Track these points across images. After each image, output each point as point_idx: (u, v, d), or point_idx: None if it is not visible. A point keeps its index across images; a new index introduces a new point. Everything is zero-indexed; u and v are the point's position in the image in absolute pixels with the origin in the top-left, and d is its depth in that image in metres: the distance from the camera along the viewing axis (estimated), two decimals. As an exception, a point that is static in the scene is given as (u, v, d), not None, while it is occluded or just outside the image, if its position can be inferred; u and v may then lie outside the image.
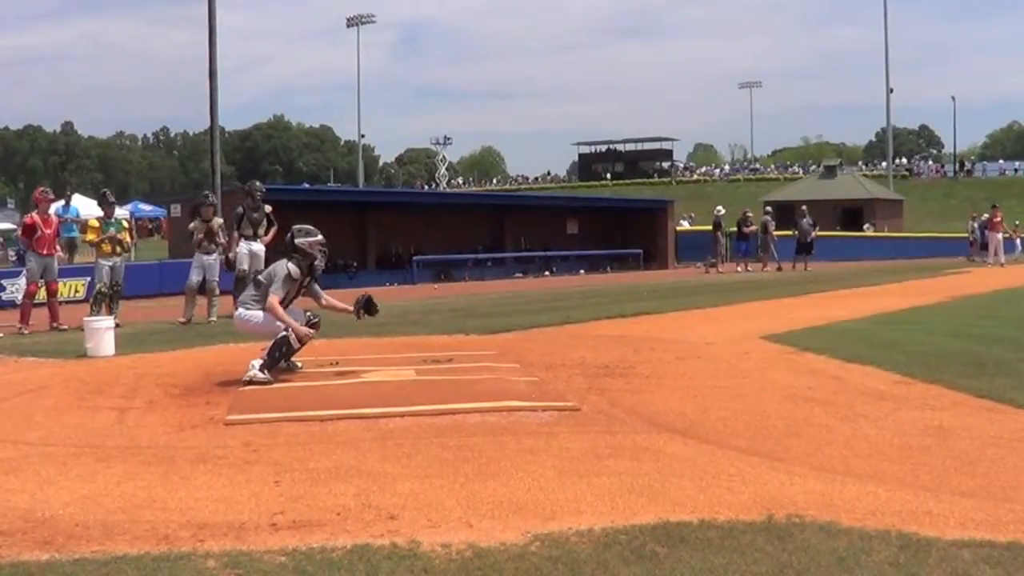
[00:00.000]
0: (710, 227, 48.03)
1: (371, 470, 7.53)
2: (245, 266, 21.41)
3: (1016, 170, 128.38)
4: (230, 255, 21.79)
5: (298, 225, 12.55)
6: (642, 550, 5.60)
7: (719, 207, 48.07)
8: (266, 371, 11.58)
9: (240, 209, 22.11)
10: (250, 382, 11.38)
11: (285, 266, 12.24)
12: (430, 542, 5.74)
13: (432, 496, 6.75)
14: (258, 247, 21.75)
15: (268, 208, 22.19)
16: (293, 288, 12.30)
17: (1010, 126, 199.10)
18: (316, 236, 12.49)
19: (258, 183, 23.38)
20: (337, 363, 12.75)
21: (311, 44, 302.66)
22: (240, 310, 12.57)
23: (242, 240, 21.67)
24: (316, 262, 12.53)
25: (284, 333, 11.85)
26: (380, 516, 6.30)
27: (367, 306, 12.86)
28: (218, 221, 21.54)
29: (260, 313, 12.20)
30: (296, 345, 12.07)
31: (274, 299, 11.99)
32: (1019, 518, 6.28)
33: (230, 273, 21.80)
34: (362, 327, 14.59)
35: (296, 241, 12.43)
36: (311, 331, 12.24)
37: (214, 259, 21.19)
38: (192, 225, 22.55)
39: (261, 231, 21.88)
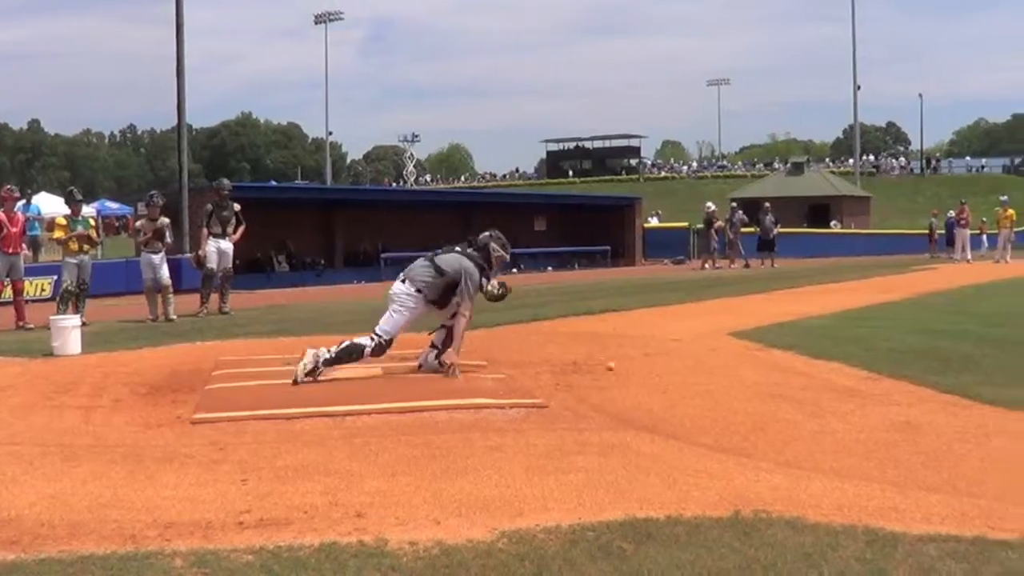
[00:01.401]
0: (680, 224, 48.12)
1: (338, 468, 7.52)
2: (213, 264, 21.45)
3: (983, 167, 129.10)
4: (200, 252, 21.77)
5: (498, 233, 12.42)
6: (609, 546, 5.61)
7: (709, 203, 48.09)
8: (326, 367, 11.33)
9: (209, 207, 22.11)
10: (309, 374, 11.17)
11: (477, 274, 12.06)
12: (397, 540, 5.74)
13: (399, 494, 6.75)
14: (227, 245, 21.79)
15: (236, 206, 22.19)
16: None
17: (977, 123, 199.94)
18: (507, 253, 12.53)
19: (225, 180, 23.43)
20: (304, 361, 12.72)
21: (279, 41, 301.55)
22: (407, 285, 12.09)
23: (211, 238, 21.65)
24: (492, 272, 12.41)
25: (364, 342, 11.67)
26: (347, 514, 6.30)
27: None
28: (164, 221, 21.36)
29: (410, 311, 11.98)
30: (367, 359, 11.80)
31: (470, 310, 12.02)
32: (984, 513, 6.34)
33: (198, 271, 21.79)
34: (331, 325, 14.61)
35: (492, 245, 12.33)
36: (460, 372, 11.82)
37: (159, 258, 21.00)
38: (139, 224, 22.56)
39: (230, 229, 21.89)
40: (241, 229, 22.20)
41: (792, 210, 69.04)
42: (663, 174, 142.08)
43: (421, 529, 5.98)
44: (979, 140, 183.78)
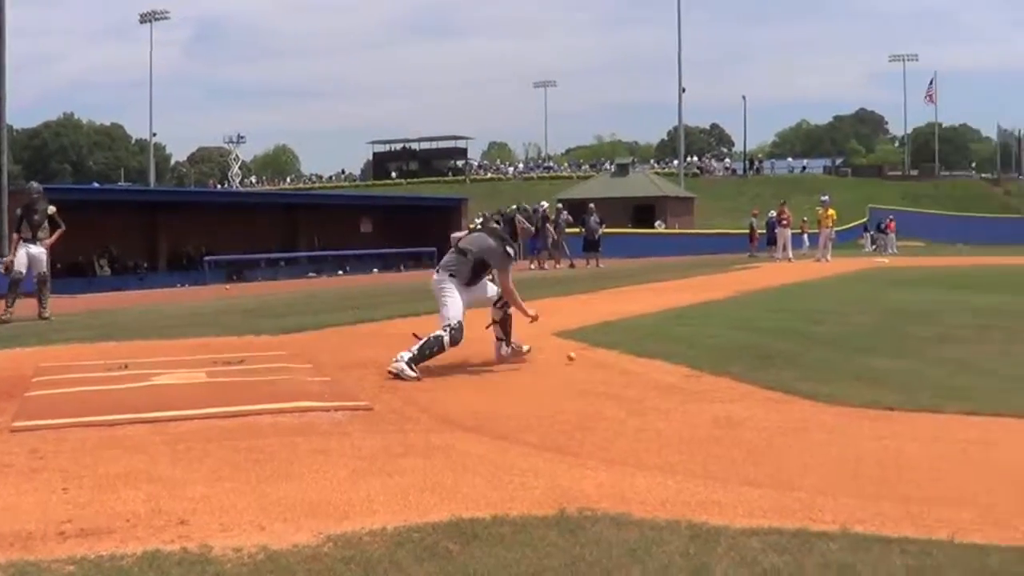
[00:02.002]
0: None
1: (161, 475, 7.39)
2: (23, 269, 21.02)
3: (804, 168, 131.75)
4: (8, 259, 21.33)
5: (525, 205, 12.98)
6: (435, 548, 5.60)
7: (543, 202, 48.32)
8: (414, 367, 11.65)
9: (19, 211, 21.69)
10: (397, 376, 11.50)
11: (500, 247, 12.61)
12: (222, 546, 5.66)
13: (224, 500, 6.65)
14: (37, 250, 21.32)
15: (52, 209, 21.76)
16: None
17: (799, 125, 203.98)
18: (532, 226, 13.38)
19: (35, 184, 22.99)
20: (127, 366, 12.52)
21: (103, 40, 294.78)
22: (440, 274, 12.69)
23: (22, 243, 21.22)
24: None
25: (440, 333, 12.05)
26: (171, 521, 6.18)
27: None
28: None
29: (458, 295, 12.47)
30: (447, 348, 12.15)
31: (510, 282, 12.77)
32: (805, 506, 6.43)
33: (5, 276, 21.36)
34: (153, 329, 14.44)
35: (518, 217, 13.24)
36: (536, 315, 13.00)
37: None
38: None
39: (43, 234, 21.45)
40: (58, 232, 21.77)
41: (617, 211, 69.86)
42: (489, 175, 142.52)
43: (246, 535, 5.90)
44: (801, 141, 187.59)
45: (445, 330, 12.08)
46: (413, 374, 11.60)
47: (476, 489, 6.88)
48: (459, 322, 12.23)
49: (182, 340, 16.04)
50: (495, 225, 12.89)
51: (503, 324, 13.03)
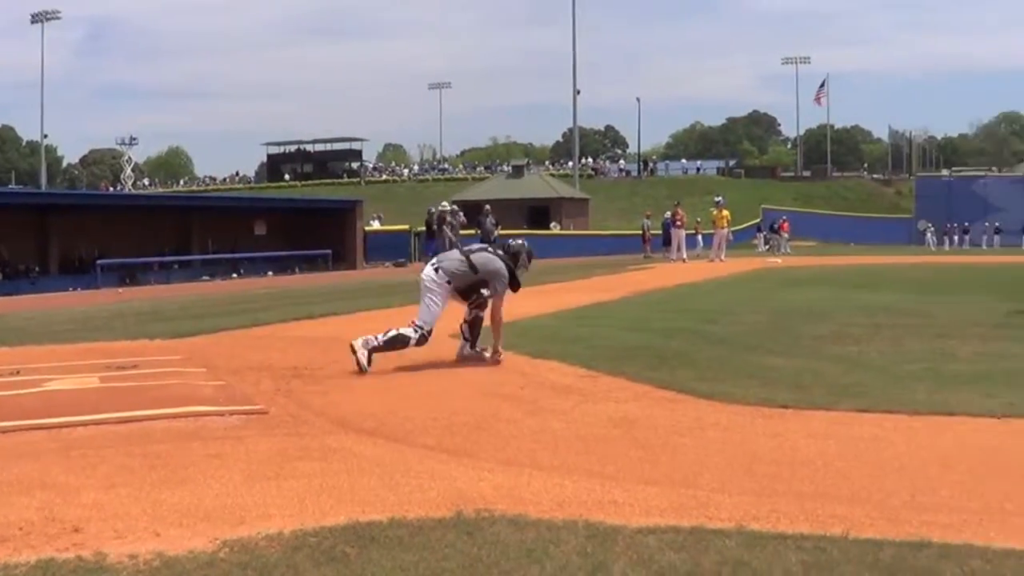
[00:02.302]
0: (402, 227, 48.32)
1: (55, 482, 7.28)
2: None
3: (698, 169, 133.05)
4: None
5: (530, 247, 13.41)
6: (332, 551, 5.57)
7: (444, 203, 48.33)
8: (370, 357, 12.26)
9: None
10: (353, 352, 12.17)
11: (507, 277, 12.94)
12: (117, 553, 5.59)
13: (118, 506, 6.56)
14: None
15: None
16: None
17: (692, 126, 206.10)
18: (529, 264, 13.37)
19: None
20: (19, 372, 12.34)
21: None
22: (440, 272, 12.95)
23: None
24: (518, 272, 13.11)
25: (409, 333, 12.58)
26: (65, 529, 6.09)
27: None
28: None
29: (440, 300, 12.89)
30: (410, 347, 12.58)
31: (501, 305, 13.02)
32: (701, 503, 6.48)
33: None
34: (44, 334, 14.29)
35: (522, 256, 13.29)
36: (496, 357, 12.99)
37: None
38: None
39: None
40: None
41: (513, 212, 70.18)
42: (384, 177, 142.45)
43: (141, 541, 5.82)
44: (695, 143, 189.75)
45: (416, 332, 12.49)
46: (365, 363, 12.07)
47: (373, 492, 6.85)
48: (430, 330, 12.66)
49: (75, 345, 15.84)
50: (502, 253, 13.08)
51: (472, 325, 13.15)
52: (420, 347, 12.56)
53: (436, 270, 12.87)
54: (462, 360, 13.09)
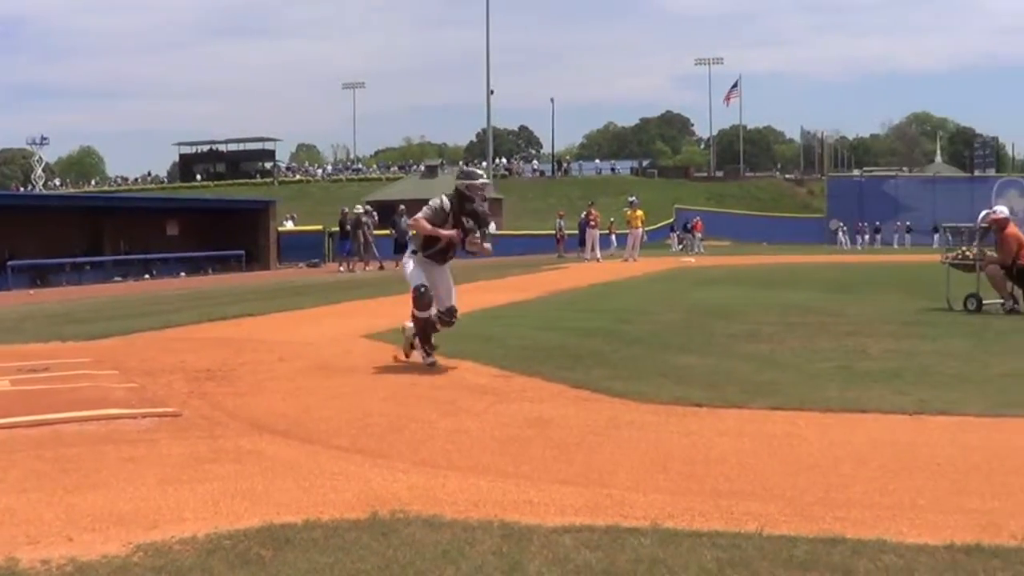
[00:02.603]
0: (315, 227, 48.13)
1: (-35, 486, 7.24)
2: None
3: (612, 169, 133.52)
4: None
5: (464, 167, 12.73)
6: (247, 554, 5.55)
7: (359, 205, 48.15)
8: (430, 354, 12.58)
9: None
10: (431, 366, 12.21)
11: (438, 197, 12.52)
12: (29, 559, 5.53)
13: (30, 511, 6.50)
14: None
15: None
16: (438, 220, 12.35)
17: (606, 127, 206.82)
18: (476, 180, 12.66)
19: None
20: (-74, 375, 12.23)
21: None
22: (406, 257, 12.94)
23: None
24: (475, 206, 12.51)
25: (424, 314, 12.40)
26: (-26, 534, 6.06)
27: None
28: None
29: (411, 264, 12.62)
30: (437, 328, 12.68)
31: (419, 216, 12.43)
32: (616, 502, 6.52)
33: None
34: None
35: (456, 181, 12.69)
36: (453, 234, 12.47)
37: None
38: None
39: None
40: None
41: (427, 212, 69.91)
42: (298, 177, 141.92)
43: (54, 547, 5.77)
44: (608, 143, 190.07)
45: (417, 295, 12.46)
46: (431, 360, 12.51)
47: (287, 494, 6.83)
48: (420, 284, 12.49)
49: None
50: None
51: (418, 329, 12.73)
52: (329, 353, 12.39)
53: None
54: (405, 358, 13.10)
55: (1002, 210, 19.49)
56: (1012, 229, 18.87)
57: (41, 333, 17.82)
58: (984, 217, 19.92)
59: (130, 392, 10.93)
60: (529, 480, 7.17)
